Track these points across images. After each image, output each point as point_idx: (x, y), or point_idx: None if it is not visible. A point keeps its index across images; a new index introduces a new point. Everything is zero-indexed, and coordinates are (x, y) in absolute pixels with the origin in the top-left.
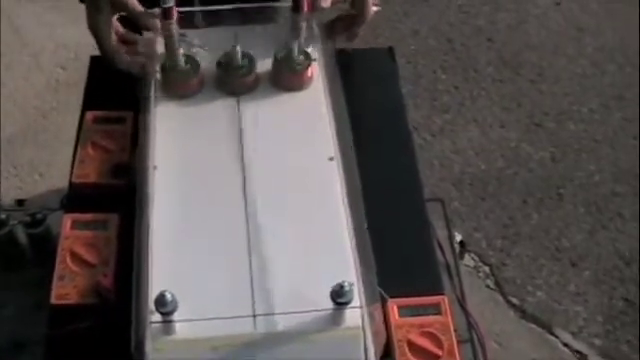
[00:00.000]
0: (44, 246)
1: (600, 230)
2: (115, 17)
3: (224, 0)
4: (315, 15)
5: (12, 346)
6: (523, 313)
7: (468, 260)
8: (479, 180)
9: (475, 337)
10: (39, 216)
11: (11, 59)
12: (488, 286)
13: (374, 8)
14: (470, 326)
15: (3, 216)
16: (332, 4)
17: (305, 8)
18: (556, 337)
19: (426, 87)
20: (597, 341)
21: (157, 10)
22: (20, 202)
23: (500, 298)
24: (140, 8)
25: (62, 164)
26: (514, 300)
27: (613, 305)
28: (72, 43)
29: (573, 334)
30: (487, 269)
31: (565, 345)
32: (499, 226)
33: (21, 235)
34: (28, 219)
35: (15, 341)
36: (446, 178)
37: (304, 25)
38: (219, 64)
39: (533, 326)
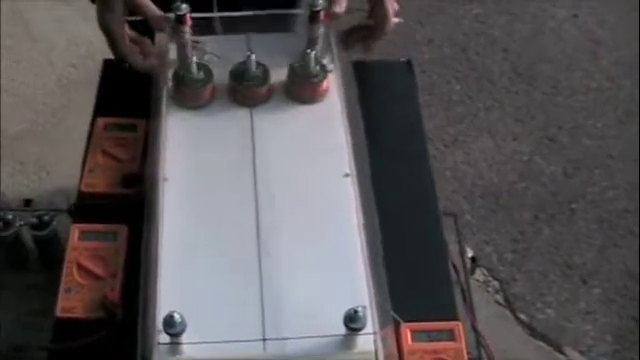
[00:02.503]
0: (50, 249)
1: (611, 247)
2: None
3: (242, 6)
4: (332, 25)
5: (13, 350)
6: (532, 330)
7: (478, 274)
8: (491, 193)
9: (485, 356)
10: (46, 218)
11: (21, 55)
12: (497, 301)
13: (395, 20)
14: (480, 345)
15: (10, 216)
16: (347, 11)
17: (322, 18)
18: (565, 355)
19: (440, 97)
20: None
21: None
22: (27, 202)
23: (509, 314)
24: (156, 10)
25: (70, 163)
26: (523, 317)
27: (622, 324)
28: (84, 40)
29: (582, 353)
30: (497, 284)
31: None
32: (510, 240)
33: (27, 237)
34: (35, 221)
35: (16, 345)
36: (458, 190)
37: (321, 35)
38: (232, 74)
39: (542, 344)
